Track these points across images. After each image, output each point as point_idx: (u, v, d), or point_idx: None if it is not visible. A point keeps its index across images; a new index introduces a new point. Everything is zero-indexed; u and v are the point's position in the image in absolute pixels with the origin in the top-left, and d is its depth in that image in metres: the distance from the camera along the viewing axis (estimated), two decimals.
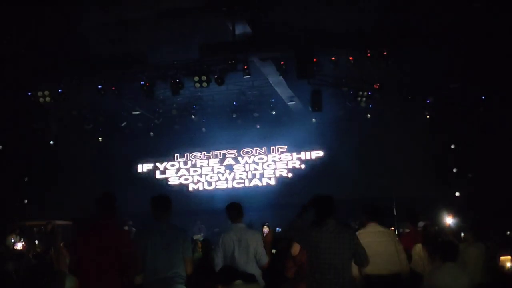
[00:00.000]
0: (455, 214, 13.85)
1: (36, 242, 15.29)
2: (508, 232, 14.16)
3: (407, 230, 11.36)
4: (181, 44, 14.13)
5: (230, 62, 14.52)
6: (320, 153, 21.11)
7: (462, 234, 10.31)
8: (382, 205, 9.24)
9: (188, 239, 6.82)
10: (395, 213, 16.39)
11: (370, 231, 7.66)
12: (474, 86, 16.38)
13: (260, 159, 22.01)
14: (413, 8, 12.25)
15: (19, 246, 15.23)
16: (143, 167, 22.79)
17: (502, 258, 9.97)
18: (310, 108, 16.84)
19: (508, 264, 9.79)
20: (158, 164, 22.68)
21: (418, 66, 15.06)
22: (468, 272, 7.38)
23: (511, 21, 12.00)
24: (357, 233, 7.87)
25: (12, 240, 15.52)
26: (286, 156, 21.75)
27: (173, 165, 22.68)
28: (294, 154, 21.60)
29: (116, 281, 5.90)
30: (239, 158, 22.20)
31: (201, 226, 19.49)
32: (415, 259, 8.24)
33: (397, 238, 8.17)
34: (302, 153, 21.45)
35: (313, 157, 21.29)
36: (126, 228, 17.04)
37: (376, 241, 7.50)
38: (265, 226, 11.33)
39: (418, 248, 8.38)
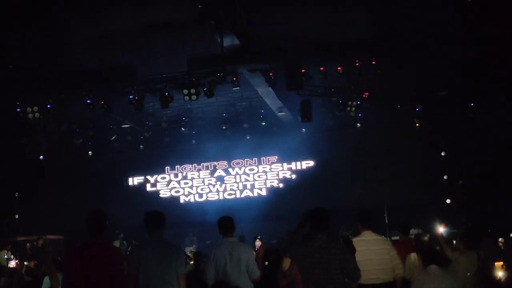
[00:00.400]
0: (447, 221, 13.88)
1: (25, 263, 15.22)
2: (501, 239, 14.18)
3: (398, 238, 11.38)
4: (169, 57, 14.14)
5: (219, 74, 14.55)
6: (311, 163, 21.07)
7: (454, 241, 10.31)
8: (374, 213, 9.21)
9: (181, 255, 6.77)
10: (386, 221, 16.41)
11: (365, 239, 7.66)
12: (463, 94, 16.46)
13: (251, 170, 21.95)
14: (400, 17, 12.28)
15: (12, 263, 15.18)
16: (134, 180, 22.62)
17: (496, 264, 9.97)
18: (300, 119, 16.89)
19: (500, 273, 9.78)
20: (148, 177, 22.56)
21: (406, 75, 15.13)
22: (458, 280, 7.39)
23: (497, 29, 12.03)
24: (353, 240, 7.91)
25: (5, 256, 15.43)
26: (277, 166, 21.69)
27: (163, 178, 22.55)
28: (285, 164, 21.54)
29: None
30: (230, 170, 22.12)
31: (193, 238, 19.42)
32: (409, 268, 8.22)
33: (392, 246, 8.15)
34: (293, 163, 21.39)
35: (304, 167, 21.24)
36: (118, 241, 17.05)
37: (370, 249, 7.54)
38: (257, 240, 11.28)
39: (413, 257, 8.36)
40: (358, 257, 7.47)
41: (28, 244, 16.97)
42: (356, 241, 7.58)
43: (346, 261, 5.97)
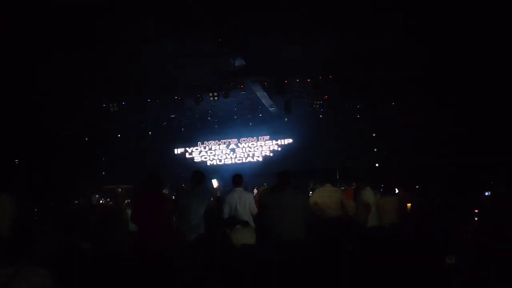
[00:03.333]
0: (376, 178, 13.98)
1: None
2: (417, 186, 14.29)
3: (344, 188, 11.48)
4: (200, 72, 14.11)
5: (232, 83, 14.53)
6: (290, 140, 21.02)
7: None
8: (330, 172, 9.27)
9: (207, 201, 6.88)
10: (338, 177, 16.42)
11: (325, 189, 7.79)
12: (387, 97, 16.47)
13: (252, 144, 21.84)
14: (349, 49, 12.18)
15: (100, 202, 15.27)
16: (178, 151, 22.66)
17: (408, 204, 10.07)
18: (283, 112, 16.90)
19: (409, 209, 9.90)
20: (187, 149, 22.55)
21: (352, 85, 15.12)
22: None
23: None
24: (317, 189, 8.02)
25: (97, 196, 15.50)
26: (269, 142, 21.60)
27: (197, 149, 22.50)
28: (274, 141, 21.47)
29: (161, 227, 5.94)
30: (239, 144, 22.04)
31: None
32: (350, 209, 8.30)
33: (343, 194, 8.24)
34: (279, 140, 21.30)
35: (286, 143, 21.19)
36: (166, 189, 17.11)
37: (327, 195, 7.65)
38: (255, 189, 11.31)
39: (352, 202, 8.46)
40: (319, 199, 7.60)
41: (120, 190, 16.90)
42: (320, 190, 7.78)
43: (307, 204, 6.03)
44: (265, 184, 12.54)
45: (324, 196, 7.61)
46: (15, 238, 3.58)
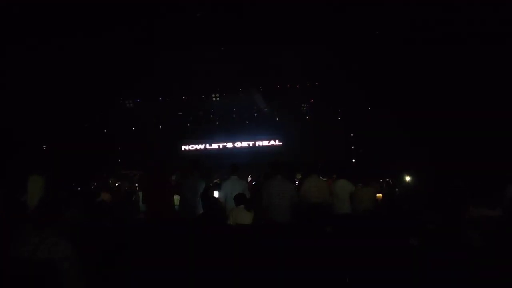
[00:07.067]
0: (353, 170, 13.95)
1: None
2: (388, 179, 14.27)
3: (326, 179, 11.46)
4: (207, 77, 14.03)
5: (232, 86, 14.47)
6: (281, 137, 20.64)
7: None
8: (314, 165, 9.17)
9: (203, 185, 6.83)
10: (320, 170, 16.35)
11: (311, 179, 7.71)
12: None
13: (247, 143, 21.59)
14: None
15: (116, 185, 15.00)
16: (185, 147, 21.96)
17: (378, 195, 10.06)
18: (275, 112, 16.88)
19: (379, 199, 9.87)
20: (192, 145, 21.93)
21: (335, 91, 15.16)
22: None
23: None
24: (304, 179, 7.98)
25: (113, 180, 15.28)
26: (261, 137, 21.31)
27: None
28: (266, 137, 21.14)
29: (164, 205, 5.95)
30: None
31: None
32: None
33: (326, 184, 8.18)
34: (271, 136, 21.03)
35: (277, 139, 20.95)
36: (174, 175, 16.96)
37: (313, 185, 7.59)
38: (249, 176, 11.28)
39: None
40: (306, 188, 7.54)
41: (135, 175, 16.66)
42: (307, 179, 7.74)
43: (292, 191, 6.04)
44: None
45: (311, 185, 7.63)
46: (42, 212, 3.55)
